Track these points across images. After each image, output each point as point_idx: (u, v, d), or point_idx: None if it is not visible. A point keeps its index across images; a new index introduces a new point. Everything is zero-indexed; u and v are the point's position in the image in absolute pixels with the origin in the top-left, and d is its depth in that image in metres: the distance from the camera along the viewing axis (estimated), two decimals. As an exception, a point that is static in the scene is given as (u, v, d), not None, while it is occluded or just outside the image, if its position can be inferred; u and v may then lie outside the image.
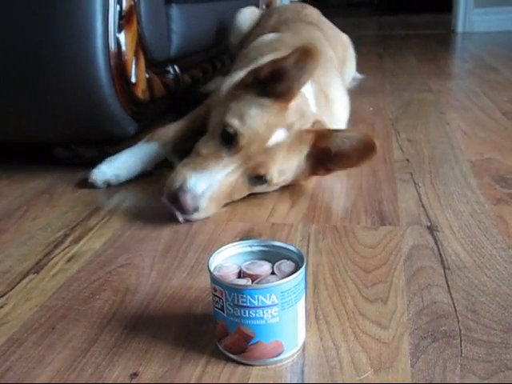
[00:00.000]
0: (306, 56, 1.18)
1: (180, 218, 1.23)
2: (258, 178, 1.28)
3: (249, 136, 1.23)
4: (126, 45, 1.53)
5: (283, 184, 1.38)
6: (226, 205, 1.31)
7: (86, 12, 1.43)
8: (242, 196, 1.34)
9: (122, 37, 1.52)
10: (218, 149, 1.26)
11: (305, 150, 1.32)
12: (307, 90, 1.39)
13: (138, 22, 1.61)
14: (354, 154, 1.29)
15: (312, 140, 1.31)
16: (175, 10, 1.92)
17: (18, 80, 1.49)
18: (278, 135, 1.26)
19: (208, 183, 1.20)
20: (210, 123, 1.36)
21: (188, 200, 1.19)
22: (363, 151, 1.28)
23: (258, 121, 1.24)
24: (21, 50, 1.46)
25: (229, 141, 1.24)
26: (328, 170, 1.37)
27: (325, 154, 1.32)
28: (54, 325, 0.92)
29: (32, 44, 1.45)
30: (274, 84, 1.25)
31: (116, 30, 1.50)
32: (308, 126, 1.32)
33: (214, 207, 1.26)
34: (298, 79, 1.22)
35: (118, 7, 1.49)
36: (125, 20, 1.53)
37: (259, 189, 1.33)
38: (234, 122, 1.24)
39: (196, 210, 1.21)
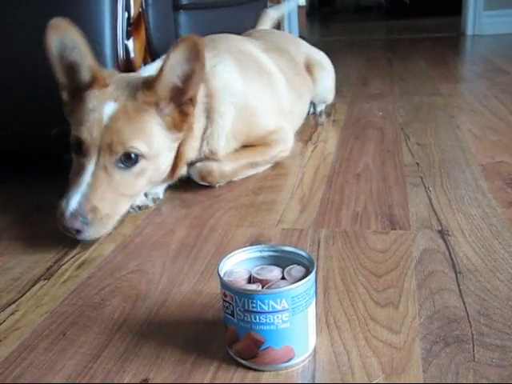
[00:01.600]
0: None
1: (81, 240, 1.21)
2: (127, 159, 1.24)
3: (86, 129, 1.23)
4: (134, 51, 1.54)
5: (170, 145, 1.34)
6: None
7: (95, 19, 1.44)
8: (139, 189, 1.32)
9: (130, 44, 1.53)
10: (76, 164, 1.27)
11: (151, 109, 1.28)
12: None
13: (147, 29, 1.62)
14: (191, 64, 1.25)
15: (151, 96, 1.27)
16: (183, 17, 1.92)
17: (26, 88, 1.50)
18: (108, 109, 1.25)
19: (78, 194, 1.18)
20: None
21: (69, 222, 1.16)
22: (192, 53, 1.24)
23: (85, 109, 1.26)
24: (29, 60, 1.47)
25: (78, 150, 1.25)
26: (191, 101, 1.33)
27: (176, 93, 1.30)
28: (65, 331, 0.92)
29: (39, 54, 1.46)
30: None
31: (124, 36, 1.50)
32: (139, 87, 1.29)
33: (109, 215, 1.22)
34: None
35: (126, 14, 1.50)
36: (133, 27, 1.54)
37: (149, 167, 1.29)
38: (75, 132, 1.25)
39: (86, 223, 1.17)
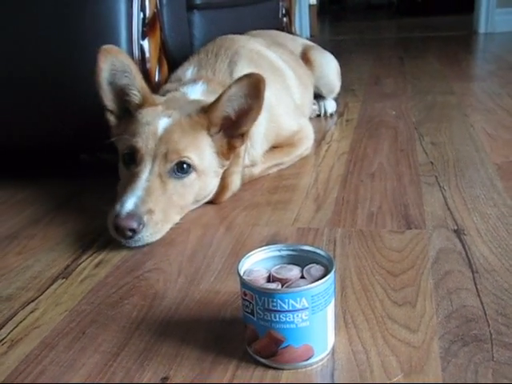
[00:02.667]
0: None
1: (132, 244, 1.20)
2: (180, 168, 1.27)
3: (141, 140, 1.25)
4: (149, 51, 1.55)
5: (216, 170, 1.36)
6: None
7: (111, 19, 1.45)
8: (187, 202, 1.32)
9: (145, 44, 1.53)
10: (126, 173, 1.29)
11: (202, 131, 1.31)
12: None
13: (161, 29, 1.63)
14: (248, 101, 1.29)
15: (205, 119, 1.31)
16: (197, 17, 1.92)
17: (43, 87, 1.51)
18: (162, 123, 1.28)
19: (134, 197, 1.19)
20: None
21: (125, 221, 1.16)
22: (252, 91, 1.27)
23: (139, 124, 1.29)
24: (45, 60, 1.48)
25: (131, 159, 1.27)
26: (242, 136, 1.36)
27: (228, 124, 1.33)
28: (84, 329, 0.92)
29: (57, 54, 1.47)
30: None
31: (140, 37, 1.51)
32: (195, 110, 1.33)
33: (163, 220, 1.23)
34: None
35: (141, 14, 1.51)
36: (148, 27, 1.54)
37: (198, 182, 1.31)
38: (129, 143, 1.27)
39: (142, 224, 1.17)
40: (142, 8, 1.51)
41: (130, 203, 1.18)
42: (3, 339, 0.92)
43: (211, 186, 1.37)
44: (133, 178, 1.23)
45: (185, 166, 1.27)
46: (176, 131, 1.27)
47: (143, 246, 1.21)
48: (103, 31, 1.45)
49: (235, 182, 1.45)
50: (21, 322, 0.96)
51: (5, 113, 1.58)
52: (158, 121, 1.28)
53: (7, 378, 0.82)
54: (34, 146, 1.70)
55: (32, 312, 0.99)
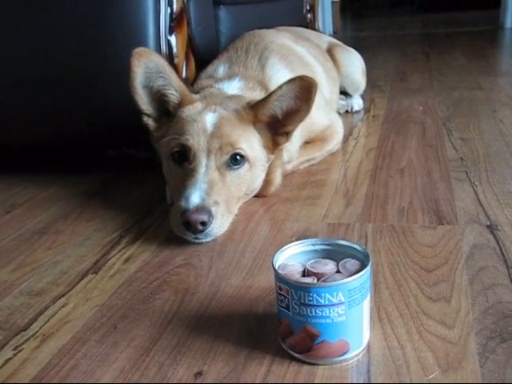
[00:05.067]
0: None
1: (203, 239, 1.20)
2: (234, 160, 1.27)
3: (191, 137, 1.25)
4: (176, 47, 1.55)
5: (264, 163, 1.36)
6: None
7: (138, 15, 1.44)
8: (245, 190, 1.32)
9: (173, 39, 1.53)
10: (178, 171, 1.27)
11: (249, 125, 1.32)
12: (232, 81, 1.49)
13: (188, 24, 1.62)
14: (297, 103, 1.29)
15: (251, 115, 1.32)
16: (223, 12, 1.92)
17: (71, 85, 1.52)
18: (210, 118, 1.28)
19: (198, 191, 1.18)
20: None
21: (195, 214, 1.15)
22: (303, 94, 1.27)
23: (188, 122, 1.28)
24: (75, 56, 1.48)
25: (182, 157, 1.26)
26: (287, 134, 1.36)
27: (274, 122, 1.33)
28: (116, 324, 0.92)
29: (85, 49, 1.48)
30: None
31: (167, 32, 1.51)
32: (240, 105, 1.33)
33: (227, 212, 1.23)
34: None
35: (168, 10, 1.51)
36: (175, 22, 1.54)
37: (249, 174, 1.31)
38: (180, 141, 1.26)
39: (212, 216, 1.17)
40: (170, 3, 1.50)
41: (195, 197, 1.17)
42: (35, 333, 0.92)
43: (260, 179, 1.38)
44: (190, 173, 1.23)
45: (238, 157, 1.27)
46: (225, 125, 1.27)
47: (212, 240, 1.20)
48: (131, 27, 1.45)
49: (278, 177, 1.46)
50: (52, 316, 0.97)
51: (33, 111, 1.59)
52: (204, 117, 1.28)
53: (40, 371, 0.82)
54: (60, 143, 1.71)
55: (63, 307, 0.99)
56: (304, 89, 1.26)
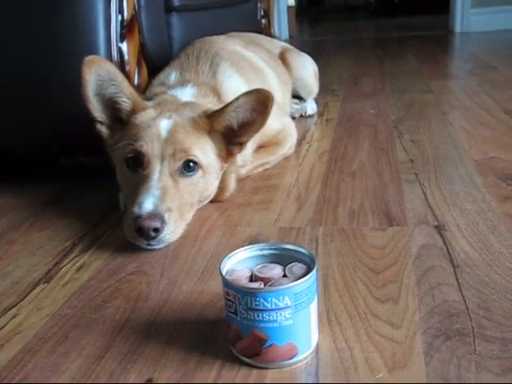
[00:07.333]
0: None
1: (155, 245, 1.20)
2: (187, 167, 1.27)
3: (145, 143, 1.25)
4: (128, 54, 1.54)
5: (217, 171, 1.37)
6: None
7: (89, 22, 1.44)
8: (198, 197, 1.32)
9: (124, 46, 1.53)
10: (132, 176, 1.27)
11: (204, 133, 1.33)
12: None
13: (140, 31, 1.62)
14: (253, 115, 1.31)
15: (207, 124, 1.32)
16: (175, 18, 1.92)
17: (20, 91, 1.50)
18: (164, 125, 1.28)
19: (151, 198, 1.18)
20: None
21: (148, 221, 1.15)
22: (259, 106, 1.29)
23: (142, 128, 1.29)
24: (23, 62, 1.47)
25: (136, 163, 1.27)
26: (241, 144, 1.38)
27: (229, 132, 1.35)
28: (67, 333, 0.92)
29: (34, 55, 1.46)
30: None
31: (118, 39, 1.51)
32: (196, 113, 1.34)
33: (180, 218, 1.23)
34: None
35: (119, 17, 1.50)
36: (127, 29, 1.54)
37: (203, 181, 1.32)
38: (133, 147, 1.27)
39: (164, 222, 1.17)
40: (120, 10, 1.50)
41: (148, 203, 1.17)
42: (-16, 346, 0.91)
43: (213, 186, 1.38)
44: (143, 179, 1.23)
45: (191, 164, 1.28)
46: (180, 132, 1.28)
47: (165, 246, 1.20)
48: (81, 34, 1.44)
49: (232, 183, 1.46)
50: (2, 327, 0.95)
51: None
52: (158, 123, 1.29)
53: (-11, 384, 0.81)
54: (12, 151, 1.69)
55: (13, 317, 0.98)
56: (260, 102, 1.28)
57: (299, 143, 1.87)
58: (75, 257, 1.20)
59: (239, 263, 0.85)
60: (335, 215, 1.30)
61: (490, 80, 2.72)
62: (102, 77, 1.29)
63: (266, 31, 3.21)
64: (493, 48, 3.91)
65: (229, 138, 1.36)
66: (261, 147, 1.66)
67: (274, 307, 0.74)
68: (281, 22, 5.38)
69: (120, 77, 1.31)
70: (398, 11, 7.50)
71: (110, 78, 1.30)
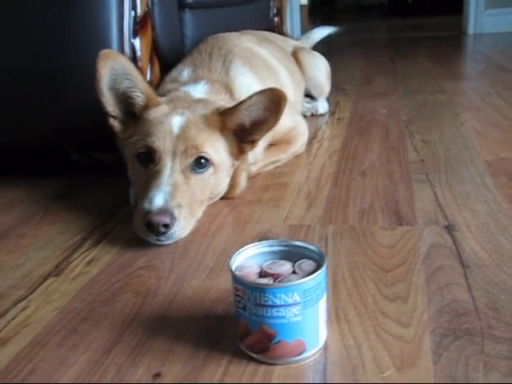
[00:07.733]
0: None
1: (165, 241, 1.20)
2: (199, 163, 1.28)
3: (157, 139, 1.25)
4: (141, 50, 1.55)
5: (228, 168, 1.37)
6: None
7: (102, 18, 1.44)
8: (209, 194, 1.32)
9: (137, 42, 1.53)
10: (144, 172, 1.27)
11: (216, 130, 1.33)
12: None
13: (153, 28, 1.63)
14: (266, 114, 1.31)
15: (219, 121, 1.32)
16: (188, 15, 1.93)
17: (33, 88, 1.51)
18: (176, 121, 1.29)
19: (161, 193, 1.19)
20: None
21: (158, 217, 1.15)
22: (272, 106, 1.29)
23: (154, 124, 1.29)
24: (36, 59, 1.48)
25: (147, 159, 1.27)
26: (252, 142, 1.38)
27: (241, 130, 1.35)
28: (76, 327, 0.92)
29: (48, 52, 1.47)
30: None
31: (131, 35, 1.51)
32: (208, 110, 1.34)
33: (190, 215, 1.23)
34: None
35: (132, 13, 1.51)
36: (139, 26, 1.54)
37: (214, 178, 1.32)
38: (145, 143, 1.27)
39: (174, 218, 1.17)
40: (134, 6, 1.51)
41: (159, 199, 1.17)
42: (-6, 338, 0.91)
43: (224, 183, 1.38)
44: (155, 175, 1.23)
45: (203, 161, 1.28)
46: (192, 128, 1.28)
47: (174, 242, 1.20)
48: (94, 30, 1.45)
49: (243, 181, 1.47)
50: (12, 320, 0.96)
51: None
52: (171, 119, 1.29)
53: (-2, 376, 0.82)
54: (25, 147, 1.70)
55: (23, 310, 0.99)
56: (274, 101, 1.28)
57: (310, 142, 1.87)
58: (85, 251, 1.21)
59: (248, 259, 0.86)
60: (345, 214, 1.30)
61: (503, 81, 2.71)
62: (116, 71, 1.29)
63: (279, 29, 3.20)
64: (506, 50, 3.89)
65: (240, 136, 1.36)
66: (272, 145, 1.66)
67: (282, 303, 0.75)
68: (293, 20, 5.37)
69: (135, 71, 1.31)
70: (411, 12, 7.47)
71: (125, 73, 1.30)
